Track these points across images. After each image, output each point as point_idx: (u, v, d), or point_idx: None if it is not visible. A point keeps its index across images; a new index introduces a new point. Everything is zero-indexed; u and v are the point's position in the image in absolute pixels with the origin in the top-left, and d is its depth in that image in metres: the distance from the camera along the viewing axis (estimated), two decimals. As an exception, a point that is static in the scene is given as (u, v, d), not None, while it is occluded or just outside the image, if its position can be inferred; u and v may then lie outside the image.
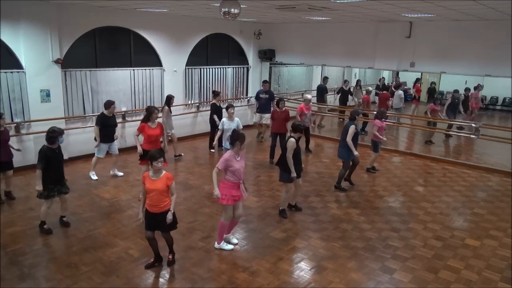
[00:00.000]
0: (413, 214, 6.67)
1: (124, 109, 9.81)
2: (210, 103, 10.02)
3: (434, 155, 10.42)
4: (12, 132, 7.98)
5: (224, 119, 8.04)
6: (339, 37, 11.42)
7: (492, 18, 8.25)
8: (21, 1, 7.64)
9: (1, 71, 7.68)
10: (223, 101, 12.28)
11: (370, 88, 13.23)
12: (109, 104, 7.62)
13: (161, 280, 4.66)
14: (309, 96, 10.00)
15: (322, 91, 13.48)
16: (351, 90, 14.13)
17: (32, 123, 8.25)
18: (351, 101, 13.86)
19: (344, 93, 13.56)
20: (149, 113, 6.75)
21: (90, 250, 5.24)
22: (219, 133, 7.96)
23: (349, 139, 7.22)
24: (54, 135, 5.54)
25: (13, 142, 8.00)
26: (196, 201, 6.98)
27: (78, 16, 8.54)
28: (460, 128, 12.01)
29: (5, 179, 6.73)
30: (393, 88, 13.73)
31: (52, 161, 5.51)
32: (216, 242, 5.41)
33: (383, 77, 16.28)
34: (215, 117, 9.47)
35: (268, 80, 12.76)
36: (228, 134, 7.38)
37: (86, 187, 7.41)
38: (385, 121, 9.22)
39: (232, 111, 7.97)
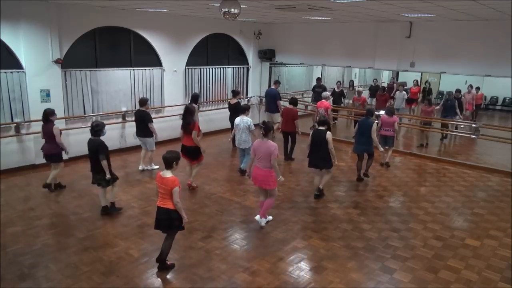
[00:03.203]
0: (413, 214, 6.67)
1: (124, 109, 9.81)
2: (233, 102, 9.89)
3: (434, 155, 10.43)
4: (12, 132, 8.01)
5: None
6: (339, 37, 11.42)
7: (492, 18, 8.25)
8: (21, 1, 7.64)
9: (1, 71, 7.69)
10: (223, 101, 12.33)
11: (360, 89, 13.12)
12: (145, 101, 8.12)
13: (161, 280, 4.66)
14: (327, 93, 10.54)
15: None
16: (344, 92, 13.78)
17: (32, 123, 8.25)
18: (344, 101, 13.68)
19: (336, 96, 13.30)
20: (194, 110, 7.38)
21: (90, 250, 5.24)
22: (247, 133, 7.96)
23: (374, 135, 7.76)
24: (99, 128, 5.96)
25: (13, 141, 8.08)
26: (196, 201, 6.97)
27: (78, 16, 8.54)
28: (447, 126, 11.83)
29: (52, 170, 7.13)
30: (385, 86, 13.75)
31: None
32: (259, 215, 6.00)
33: (375, 79, 16.19)
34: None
35: (278, 80, 12.50)
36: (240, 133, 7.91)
37: (86, 187, 7.40)
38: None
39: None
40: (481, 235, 5.98)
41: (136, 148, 9.65)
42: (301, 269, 4.95)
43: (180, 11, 9.39)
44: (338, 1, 6.59)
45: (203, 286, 4.54)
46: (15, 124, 8.01)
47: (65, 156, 8.22)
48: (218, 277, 4.72)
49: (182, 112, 10.74)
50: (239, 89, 11.96)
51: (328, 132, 6.76)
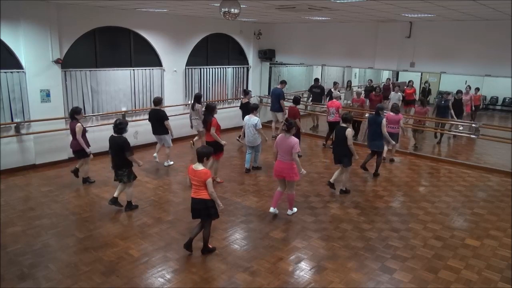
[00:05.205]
0: (413, 214, 6.67)
1: (124, 109, 9.81)
2: (244, 101, 10.30)
3: (434, 155, 10.43)
4: (12, 132, 8.01)
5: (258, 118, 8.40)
6: (339, 37, 11.42)
7: (492, 18, 8.25)
8: (21, 1, 7.64)
9: (1, 71, 7.68)
10: (223, 101, 12.34)
11: (360, 90, 13.05)
12: (159, 100, 8.51)
13: (161, 280, 4.66)
14: (338, 93, 10.79)
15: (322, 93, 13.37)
16: (340, 93, 13.73)
17: (32, 123, 8.25)
18: (342, 103, 13.56)
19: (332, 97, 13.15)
20: (213, 108, 7.64)
21: (90, 250, 5.25)
22: (254, 131, 8.36)
23: (384, 130, 8.12)
24: (122, 126, 6.12)
25: (13, 141, 8.09)
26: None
27: (78, 16, 8.54)
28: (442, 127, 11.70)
29: (83, 165, 7.51)
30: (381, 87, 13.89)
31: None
32: (289, 210, 6.51)
33: (370, 79, 16.18)
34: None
35: (284, 80, 12.36)
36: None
37: (86, 187, 7.41)
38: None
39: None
40: (481, 235, 5.98)
41: (136, 148, 9.64)
42: (301, 269, 4.95)
43: (180, 11, 9.39)
44: (338, 1, 6.59)
45: (203, 286, 4.54)
46: (15, 124, 8.01)
47: (65, 156, 8.30)
48: (218, 277, 4.72)
49: (182, 112, 10.92)
50: (244, 88, 12.21)
51: (348, 129, 7.03)
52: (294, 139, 6.05)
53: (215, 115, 7.63)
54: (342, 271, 4.91)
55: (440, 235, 5.95)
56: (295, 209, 6.59)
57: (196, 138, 9.95)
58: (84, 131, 7.22)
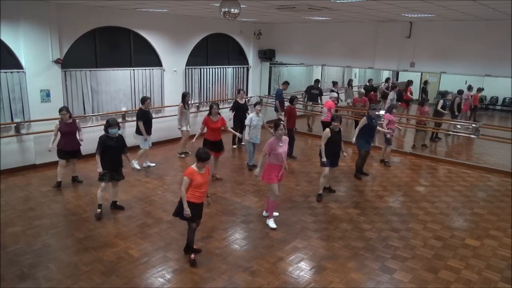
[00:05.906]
0: (413, 214, 6.67)
1: (124, 109, 9.81)
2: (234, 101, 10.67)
3: (434, 155, 10.42)
4: (12, 132, 8.01)
5: (252, 115, 8.50)
6: (339, 37, 11.42)
7: (492, 18, 8.25)
8: (21, 1, 7.64)
9: (1, 71, 7.68)
10: (223, 101, 12.33)
11: (363, 90, 13.07)
12: (144, 100, 8.29)
13: (161, 280, 4.66)
14: (335, 94, 10.83)
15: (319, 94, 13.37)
16: (339, 93, 13.71)
17: (32, 123, 8.25)
18: (341, 103, 13.55)
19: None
20: (210, 108, 7.71)
21: (90, 250, 5.24)
22: (247, 128, 8.52)
23: (357, 129, 8.12)
24: (105, 125, 6.15)
25: (13, 141, 8.08)
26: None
27: (78, 16, 8.54)
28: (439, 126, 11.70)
29: (73, 165, 7.53)
30: (385, 90, 13.85)
31: (107, 148, 6.04)
32: (268, 219, 6.11)
33: (370, 79, 16.21)
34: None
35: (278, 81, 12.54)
36: (255, 130, 8.35)
37: (86, 187, 7.41)
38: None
39: (259, 108, 8.55)
40: (481, 235, 5.98)
41: (136, 148, 9.64)
42: (301, 269, 4.95)
43: (180, 11, 9.39)
44: (338, 1, 6.59)
45: (203, 286, 4.54)
46: (15, 124, 8.01)
47: (51, 158, 7.91)
48: (218, 277, 4.72)
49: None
50: (239, 88, 12.24)
51: (326, 129, 7.00)
52: (268, 141, 5.88)
53: (217, 115, 7.75)
54: (342, 271, 4.91)
55: (440, 235, 5.95)
56: (274, 225, 5.93)
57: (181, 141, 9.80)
58: (61, 130, 7.09)
